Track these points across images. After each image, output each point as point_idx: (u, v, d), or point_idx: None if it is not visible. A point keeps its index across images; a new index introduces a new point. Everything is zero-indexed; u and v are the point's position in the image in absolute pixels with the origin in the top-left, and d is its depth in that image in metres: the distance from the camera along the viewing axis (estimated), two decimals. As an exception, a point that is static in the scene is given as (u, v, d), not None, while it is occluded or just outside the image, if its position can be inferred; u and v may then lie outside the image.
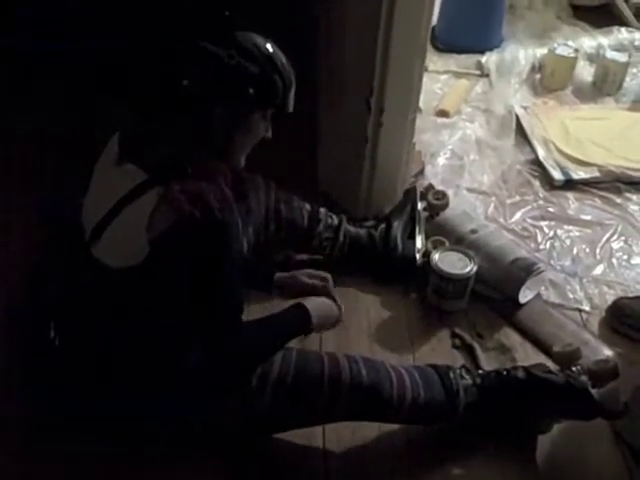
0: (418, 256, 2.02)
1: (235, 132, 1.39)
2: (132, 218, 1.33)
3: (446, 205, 2.18)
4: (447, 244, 2.03)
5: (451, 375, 1.57)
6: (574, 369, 1.63)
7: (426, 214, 2.18)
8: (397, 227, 2.06)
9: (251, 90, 1.34)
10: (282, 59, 1.38)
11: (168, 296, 1.38)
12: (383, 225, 2.08)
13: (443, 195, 2.20)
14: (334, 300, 1.67)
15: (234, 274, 1.40)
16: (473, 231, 2.06)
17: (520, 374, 1.60)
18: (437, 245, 2.02)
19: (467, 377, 1.59)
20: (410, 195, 2.17)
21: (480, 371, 1.64)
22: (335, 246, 1.99)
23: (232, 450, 1.56)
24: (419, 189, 2.23)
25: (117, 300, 1.41)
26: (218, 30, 1.34)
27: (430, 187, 2.27)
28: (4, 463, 1.53)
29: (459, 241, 2.04)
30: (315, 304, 1.60)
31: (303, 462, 1.59)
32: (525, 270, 1.93)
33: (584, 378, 1.60)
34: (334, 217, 2.02)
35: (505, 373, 1.61)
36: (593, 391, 1.56)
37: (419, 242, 2.05)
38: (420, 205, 2.16)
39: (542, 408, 1.61)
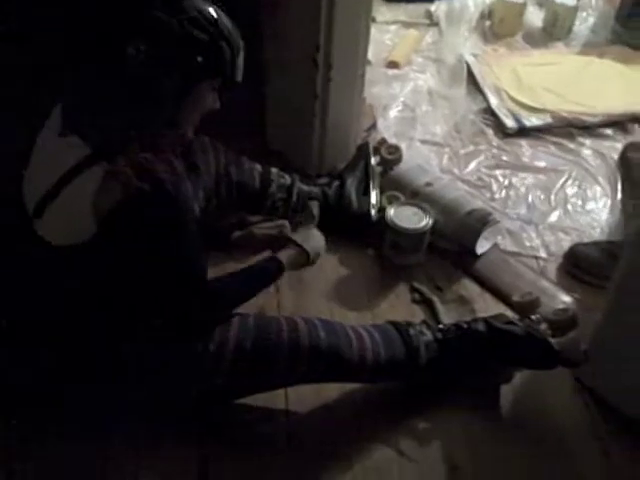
0: (373, 212, 1.99)
1: (182, 103, 1.34)
2: (77, 194, 1.28)
3: (399, 159, 2.15)
4: (402, 199, 2.00)
5: (411, 332, 1.56)
6: (533, 318, 1.64)
7: (380, 169, 2.15)
8: (351, 184, 2.03)
9: (199, 59, 1.30)
10: (229, 26, 1.34)
11: (120, 271, 1.34)
12: (337, 182, 2.05)
13: (396, 149, 2.17)
14: (295, 243, 1.65)
15: (192, 242, 1.37)
16: (428, 184, 2.04)
17: (480, 327, 1.60)
18: (392, 200, 2.00)
19: (427, 333, 1.58)
20: (363, 150, 2.14)
21: (440, 325, 1.64)
22: (288, 206, 1.96)
23: (193, 416, 1.54)
24: (372, 144, 2.20)
25: (65, 277, 1.36)
26: None
27: (383, 141, 2.24)
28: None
29: (414, 195, 2.02)
30: (285, 254, 1.61)
31: (266, 424, 1.58)
32: (481, 221, 1.92)
33: (544, 327, 1.60)
34: (286, 177, 1.98)
35: (465, 326, 1.61)
36: (553, 341, 1.57)
37: (373, 198, 2.03)
38: (373, 160, 2.13)
39: (503, 359, 1.61)
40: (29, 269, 1.42)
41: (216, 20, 1.31)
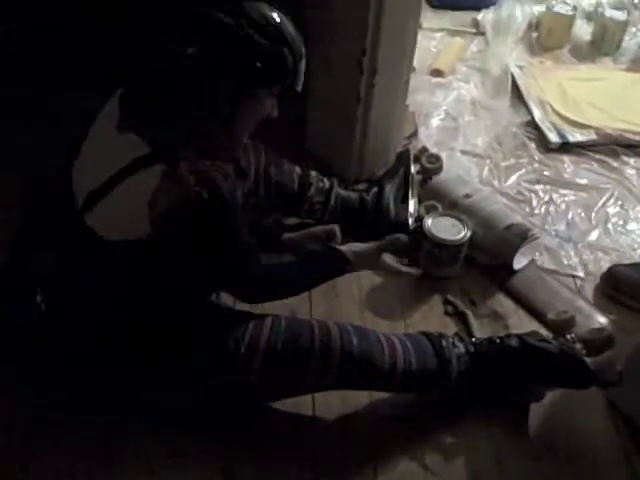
0: (410, 221, 1.98)
1: (240, 108, 1.35)
2: (132, 193, 1.29)
3: (440, 169, 2.13)
4: (440, 209, 1.98)
5: (444, 343, 1.55)
6: (568, 337, 1.61)
7: (419, 177, 2.14)
8: (389, 191, 2.01)
9: (259, 64, 1.29)
10: (292, 31, 1.34)
11: (171, 268, 1.35)
12: (375, 188, 2.03)
13: (437, 158, 2.15)
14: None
15: (244, 244, 1.40)
16: (467, 196, 2.01)
17: (513, 342, 1.58)
18: (430, 210, 1.98)
19: (460, 345, 1.57)
20: (403, 158, 2.12)
21: (473, 339, 1.62)
22: (326, 210, 1.95)
23: (221, 421, 1.54)
24: (412, 152, 2.18)
25: (113, 269, 1.37)
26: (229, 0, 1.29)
27: (424, 150, 2.22)
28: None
29: (453, 206, 2.00)
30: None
31: (293, 430, 1.57)
32: (520, 236, 1.89)
33: (578, 347, 1.58)
34: (325, 180, 1.98)
35: (498, 341, 1.59)
36: (588, 360, 1.54)
37: (412, 206, 2.01)
38: (413, 168, 2.11)
39: (535, 377, 1.59)
40: (75, 258, 1.43)
41: (279, 25, 1.31)
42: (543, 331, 1.71)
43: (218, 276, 1.43)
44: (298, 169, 1.92)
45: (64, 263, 1.46)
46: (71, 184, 1.41)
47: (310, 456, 1.53)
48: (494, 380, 1.59)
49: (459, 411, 1.61)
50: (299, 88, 1.40)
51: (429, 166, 2.14)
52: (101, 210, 1.33)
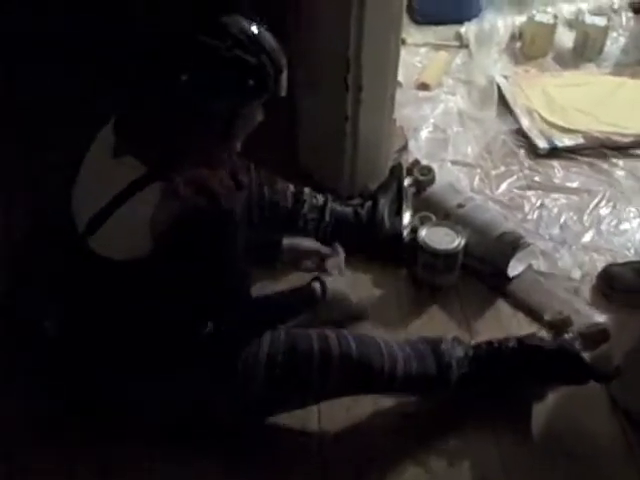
0: (405, 232, 2.00)
1: (235, 123, 1.37)
2: (133, 214, 1.32)
3: (432, 180, 2.16)
4: (434, 219, 2.01)
5: (443, 347, 1.57)
6: (566, 336, 1.63)
7: (413, 190, 2.16)
8: (384, 204, 2.04)
9: (251, 81, 1.32)
10: (271, 42, 1.35)
11: (174, 282, 1.37)
12: (369, 203, 2.05)
13: (429, 170, 2.18)
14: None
15: (239, 256, 1.42)
16: (460, 205, 2.03)
17: (512, 344, 1.60)
18: (424, 221, 2.00)
19: (459, 349, 1.58)
20: (395, 171, 2.15)
21: (472, 342, 1.64)
22: (320, 226, 1.97)
23: (227, 438, 1.55)
24: (405, 165, 2.20)
25: (119, 289, 1.39)
26: (210, 20, 1.31)
27: (416, 163, 2.25)
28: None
29: (447, 216, 2.01)
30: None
31: (299, 443, 1.59)
32: (511, 245, 1.90)
33: (576, 343, 1.59)
34: (319, 197, 2.00)
35: (497, 344, 1.61)
36: (585, 355, 1.56)
37: (406, 219, 2.04)
38: (406, 181, 2.13)
39: (534, 375, 1.61)
40: (80, 282, 1.46)
41: (260, 38, 1.33)
42: (543, 333, 1.72)
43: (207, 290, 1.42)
44: (292, 187, 1.95)
45: (69, 287, 1.49)
46: (70, 213, 1.43)
47: (318, 466, 1.54)
48: (494, 381, 1.60)
49: (462, 415, 1.63)
50: (283, 94, 1.41)
51: (422, 178, 2.16)
52: (104, 232, 1.35)
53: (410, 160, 2.30)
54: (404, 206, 2.06)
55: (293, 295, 1.63)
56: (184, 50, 1.29)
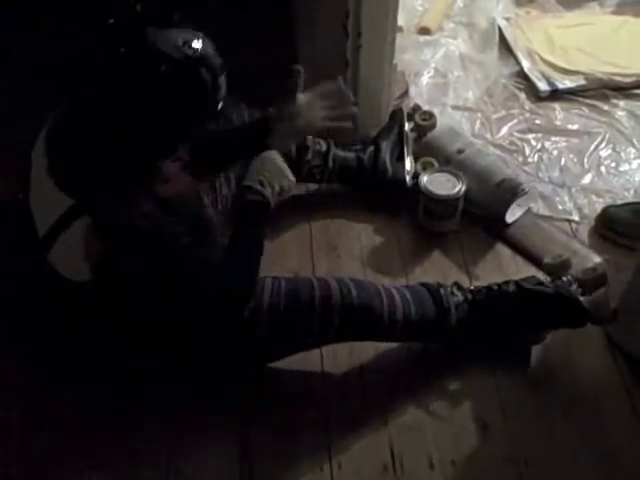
0: (407, 178, 2.01)
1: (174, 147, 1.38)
2: (69, 244, 1.33)
3: (434, 125, 2.17)
4: (436, 165, 2.02)
5: (442, 292, 1.59)
6: (564, 279, 1.65)
7: (414, 135, 2.17)
8: (385, 149, 2.05)
9: (189, 107, 1.31)
10: (205, 49, 1.29)
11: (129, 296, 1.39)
12: (372, 148, 2.06)
13: (430, 115, 2.19)
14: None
15: (196, 260, 1.39)
16: (459, 151, 2.04)
17: (511, 288, 1.62)
18: (427, 166, 2.02)
19: (458, 294, 1.61)
20: (397, 116, 2.15)
21: (472, 287, 1.66)
22: (324, 172, 1.99)
23: (231, 382, 1.60)
24: (406, 110, 2.21)
25: (75, 304, 1.43)
26: (137, 37, 1.26)
27: (417, 107, 2.25)
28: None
29: (447, 161, 2.03)
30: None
31: (303, 385, 1.63)
32: (510, 192, 1.92)
33: (574, 287, 1.62)
34: (322, 143, 2.00)
35: (496, 288, 1.64)
36: (582, 299, 1.59)
37: (408, 164, 2.04)
38: (407, 126, 2.14)
39: (533, 319, 1.63)
40: (41, 291, 1.49)
41: (200, 56, 1.28)
42: (540, 276, 1.74)
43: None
44: None
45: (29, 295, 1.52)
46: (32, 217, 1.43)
47: (322, 412, 1.58)
48: (493, 325, 1.63)
49: (461, 358, 1.67)
50: (223, 100, 1.36)
51: (423, 123, 2.17)
52: (54, 252, 1.37)
53: (411, 105, 2.30)
54: (406, 151, 2.07)
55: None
56: (118, 79, 1.27)
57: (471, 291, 1.64)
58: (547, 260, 1.80)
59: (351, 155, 2.04)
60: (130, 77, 1.26)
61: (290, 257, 1.89)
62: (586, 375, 1.65)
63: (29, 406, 1.60)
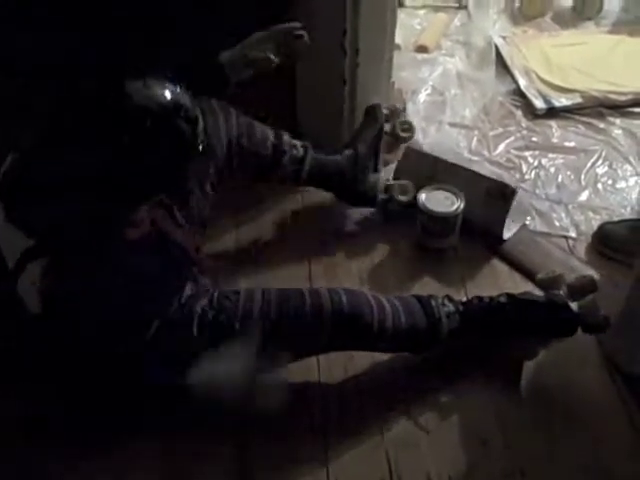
0: (379, 196, 2.02)
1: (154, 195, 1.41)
2: (27, 285, 1.35)
3: (412, 137, 2.15)
4: (411, 188, 2.00)
5: (433, 303, 1.58)
6: (557, 292, 1.65)
7: (389, 140, 2.15)
8: (363, 156, 2.01)
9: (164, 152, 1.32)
10: (181, 99, 1.30)
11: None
12: (349, 152, 2.01)
13: (410, 126, 2.18)
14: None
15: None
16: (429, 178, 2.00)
17: (502, 299, 1.62)
18: (403, 191, 2.01)
19: (449, 305, 1.60)
20: (375, 114, 2.08)
21: (463, 299, 1.66)
22: (299, 178, 1.95)
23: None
24: (383, 109, 2.12)
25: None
26: (113, 89, 1.27)
27: (395, 110, 2.22)
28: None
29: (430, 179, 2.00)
30: None
31: (299, 398, 1.60)
32: (501, 200, 1.91)
33: (563, 295, 1.62)
34: (299, 147, 1.94)
35: (487, 299, 1.63)
36: (572, 304, 1.59)
37: (379, 178, 2.04)
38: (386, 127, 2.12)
39: (524, 326, 1.62)
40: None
41: (166, 103, 1.28)
42: (537, 292, 1.73)
43: None
44: (271, 135, 1.89)
45: None
46: None
47: (319, 426, 1.57)
48: (484, 335, 1.63)
49: (456, 371, 1.65)
50: (203, 143, 1.39)
51: (402, 134, 2.16)
52: (20, 287, 1.39)
53: (389, 105, 2.24)
54: (380, 163, 2.05)
55: None
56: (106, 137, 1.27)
57: (463, 302, 1.63)
58: (540, 275, 1.76)
59: (329, 161, 1.99)
60: (107, 129, 1.25)
61: (287, 278, 1.88)
62: (579, 391, 1.64)
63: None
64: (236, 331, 1.46)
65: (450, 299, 1.63)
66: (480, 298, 1.64)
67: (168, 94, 1.27)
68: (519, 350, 1.67)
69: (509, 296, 1.63)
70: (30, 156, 1.36)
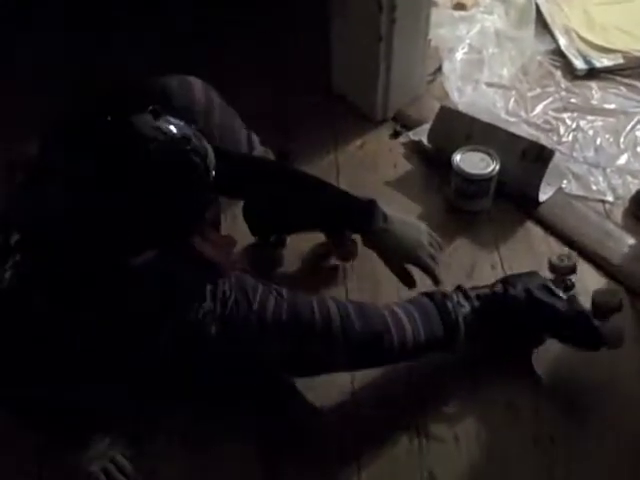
0: None
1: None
2: None
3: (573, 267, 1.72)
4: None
5: (449, 305, 1.53)
6: (567, 282, 1.62)
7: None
8: None
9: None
10: (186, 131, 1.21)
11: None
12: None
13: (569, 257, 1.71)
14: None
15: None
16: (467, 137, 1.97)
17: (519, 294, 1.56)
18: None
19: (465, 304, 1.55)
20: None
21: (478, 292, 1.59)
22: None
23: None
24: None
25: None
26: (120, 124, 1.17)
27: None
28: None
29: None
30: None
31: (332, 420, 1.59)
32: (537, 160, 1.87)
33: (582, 304, 1.56)
34: None
35: (502, 291, 1.58)
36: (596, 322, 1.52)
37: None
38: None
39: (542, 331, 1.60)
40: None
41: (171, 139, 1.19)
42: (546, 273, 1.67)
43: None
44: None
45: None
46: None
47: (352, 443, 1.55)
48: (500, 333, 1.60)
49: (469, 370, 1.63)
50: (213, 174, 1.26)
51: (561, 265, 1.74)
52: None
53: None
54: None
55: None
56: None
57: (477, 296, 1.57)
58: (554, 260, 1.68)
59: None
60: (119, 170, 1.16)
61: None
62: (594, 384, 1.60)
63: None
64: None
65: (465, 295, 1.57)
66: (494, 292, 1.58)
67: (174, 127, 1.20)
68: (529, 340, 1.64)
69: (527, 293, 1.56)
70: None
